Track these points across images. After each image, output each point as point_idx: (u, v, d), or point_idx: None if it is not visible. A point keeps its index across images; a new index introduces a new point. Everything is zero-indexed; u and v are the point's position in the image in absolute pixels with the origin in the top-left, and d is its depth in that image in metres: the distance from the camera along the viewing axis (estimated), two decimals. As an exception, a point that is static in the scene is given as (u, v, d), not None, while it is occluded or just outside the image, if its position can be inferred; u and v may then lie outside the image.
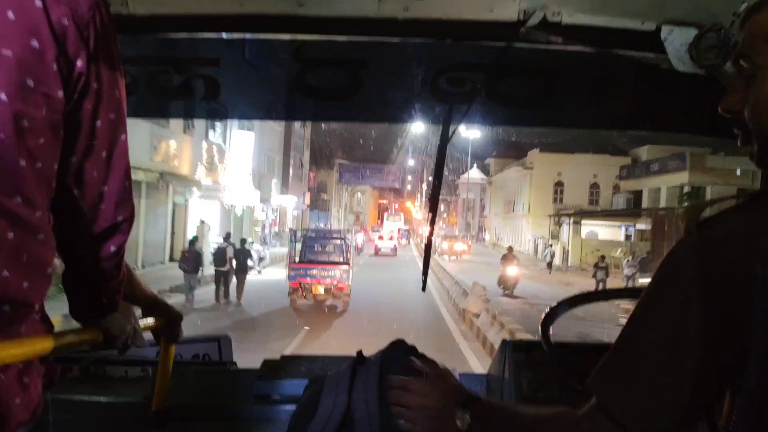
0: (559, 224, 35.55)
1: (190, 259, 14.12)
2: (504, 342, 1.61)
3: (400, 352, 1.50)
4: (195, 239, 15.81)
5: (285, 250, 25.59)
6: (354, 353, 1.49)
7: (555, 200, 41.23)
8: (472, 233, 51.54)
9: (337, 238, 16.05)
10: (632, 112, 1.68)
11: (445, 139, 1.55)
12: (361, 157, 55.86)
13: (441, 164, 1.54)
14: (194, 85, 1.64)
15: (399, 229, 47.85)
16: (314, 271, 14.01)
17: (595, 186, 40.77)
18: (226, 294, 14.83)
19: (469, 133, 42.58)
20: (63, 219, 0.96)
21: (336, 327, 12.31)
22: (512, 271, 18.86)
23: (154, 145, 18.02)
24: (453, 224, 60.59)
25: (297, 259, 14.89)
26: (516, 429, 0.89)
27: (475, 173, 59.04)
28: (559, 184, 41.56)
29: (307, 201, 44.11)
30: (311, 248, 15.36)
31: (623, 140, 35.70)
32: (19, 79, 0.84)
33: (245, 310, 14.00)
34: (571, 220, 33.99)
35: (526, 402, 1.42)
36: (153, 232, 18.42)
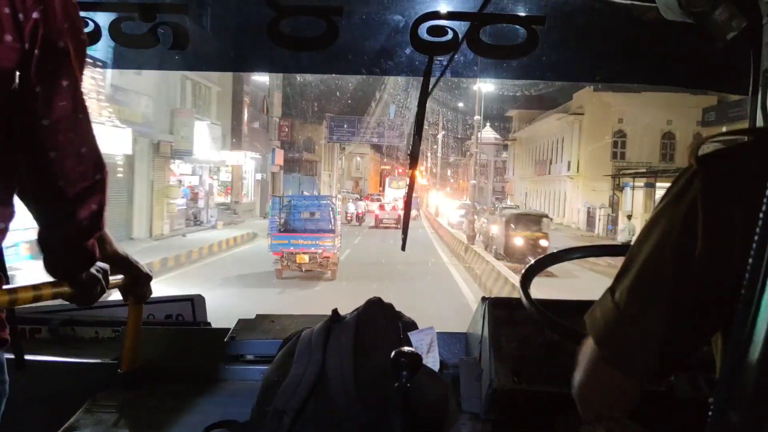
0: (620, 188, 34.34)
1: None
2: (483, 299, 1.99)
3: (376, 311, 1.90)
4: None
5: (226, 234, 22.63)
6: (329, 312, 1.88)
7: (614, 156, 38.34)
8: (484, 201, 48.93)
9: (321, 205, 17.87)
10: (621, 63, 2.03)
11: (425, 92, 1.92)
12: (355, 108, 51.91)
13: (421, 118, 1.90)
14: (161, 33, 2.00)
15: (404, 197, 47.30)
16: (298, 240, 15.87)
17: (668, 136, 37.75)
18: None
19: (481, 86, 40.08)
20: (41, 182, 1.23)
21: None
22: None
23: None
24: (463, 190, 59.88)
25: (282, 228, 16.63)
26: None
27: (488, 133, 58.31)
28: (619, 134, 38.32)
29: (280, 160, 40.39)
30: (294, 215, 17.11)
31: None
32: None
33: None
34: (642, 182, 31.66)
35: (505, 359, 1.81)
36: None
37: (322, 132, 50.23)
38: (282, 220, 16.87)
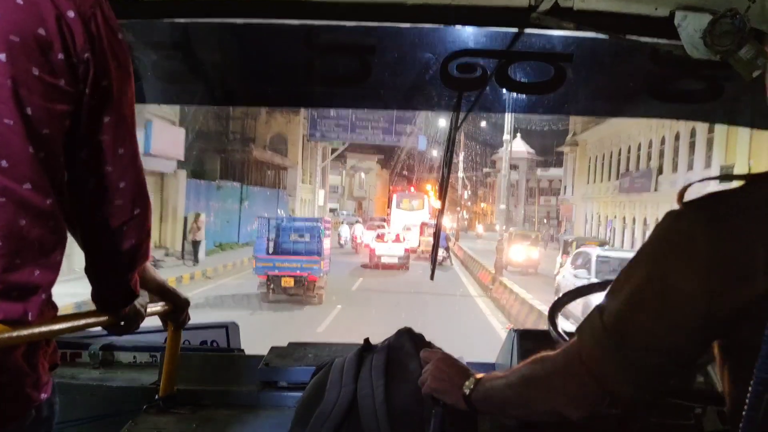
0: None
1: None
2: (512, 330, 2.01)
3: (407, 340, 1.92)
4: None
5: None
6: (361, 341, 1.91)
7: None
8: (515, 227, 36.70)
9: (308, 227, 18.07)
10: (647, 100, 2.06)
11: (454, 127, 1.96)
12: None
13: (451, 152, 1.94)
14: (201, 70, 2.07)
15: (423, 224, 31.30)
16: (283, 263, 16.09)
17: None
18: None
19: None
20: (83, 212, 1.26)
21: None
22: None
23: None
24: (486, 215, 53.72)
25: (270, 250, 16.91)
26: (511, 391, 1.23)
27: (519, 145, 48.95)
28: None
29: (171, 149, 22.05)
30: (279, 238, 17.37)
31: None
32: (25, 66, 1.06)
33: None
34: None
35: None
36: None
37: (300, 125, 34.55)
38: (270, 243, 17.05)
